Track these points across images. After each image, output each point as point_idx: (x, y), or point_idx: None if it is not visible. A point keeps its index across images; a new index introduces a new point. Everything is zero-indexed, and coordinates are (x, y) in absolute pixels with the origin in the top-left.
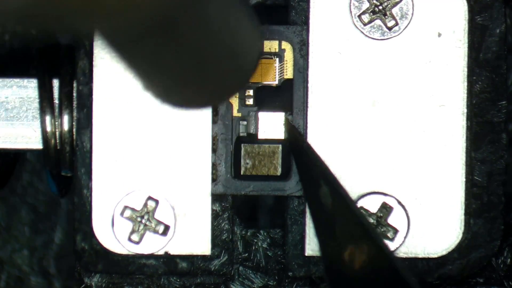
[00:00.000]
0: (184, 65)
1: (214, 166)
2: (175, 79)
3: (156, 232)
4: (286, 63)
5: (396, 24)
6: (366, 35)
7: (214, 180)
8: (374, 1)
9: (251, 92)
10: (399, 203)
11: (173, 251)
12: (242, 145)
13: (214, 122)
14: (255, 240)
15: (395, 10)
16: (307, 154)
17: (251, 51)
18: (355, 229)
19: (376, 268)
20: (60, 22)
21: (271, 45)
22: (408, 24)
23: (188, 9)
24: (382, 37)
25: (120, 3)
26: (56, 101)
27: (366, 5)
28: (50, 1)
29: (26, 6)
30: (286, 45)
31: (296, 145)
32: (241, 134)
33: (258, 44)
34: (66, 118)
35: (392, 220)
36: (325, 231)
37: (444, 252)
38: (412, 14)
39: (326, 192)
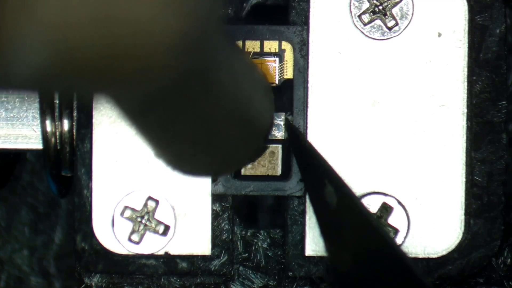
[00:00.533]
0: (195, 133)
1: None
2: (186, 147)
3: (156, 232)
4: (286, 63)
5: (396, 24)
6: (366, 35)
7: (214, 180)
8: (374, 1)
9: None
10: (399, 203)
11: (173, 251)
12: None
13: None
14: (255, 240)
15: (395, 10)
16: (310, 154)
17: (263, 119)
18: (363, 228)
19: (387, 267)
20: (72, 89)
21: (271, 45)
22: (408, 24)
23: (200, 76)
24: (382, 37)
25: (132, 70)
26: (56, 101)
27: (366, 5)
28: (64, 69)
29: (41, 74)
30: (286, 45)
31: (297, 145)
32: None
33: (270, 112)
34: (66, 118)
35: (392, 220)
36: (331, 230)
37: (444, 252)
38: (412, 14)
39: (331, 191)
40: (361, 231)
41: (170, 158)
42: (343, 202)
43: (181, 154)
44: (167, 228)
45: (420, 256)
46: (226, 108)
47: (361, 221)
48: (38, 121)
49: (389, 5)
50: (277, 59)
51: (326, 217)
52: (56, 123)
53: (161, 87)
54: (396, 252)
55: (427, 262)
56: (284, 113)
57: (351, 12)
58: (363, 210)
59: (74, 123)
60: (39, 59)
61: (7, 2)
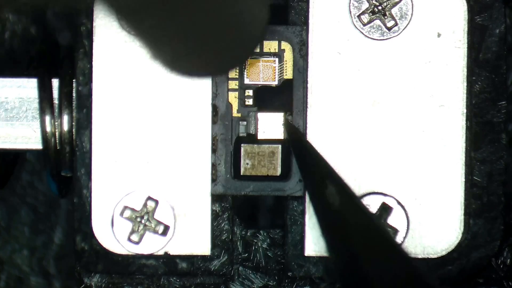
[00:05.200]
0: (191, 33)
1: (214, 166)
2: (182, 47)
3: (156, 232)
4: (286, 63)
5: (396, 24)
6: (366, 35)
7: (214, 180)
8: (374, 2)
9: (250, 93)
10: (399, 203)
11: (173, 251)
12: (241, 145)
13: (213, 122)
14: (255, 240)
15: (395, 10)
16: (311, 155)
17: (257, 19)
18: (367, 228)
19: (392, 267)
20: None
21: (270, 45)
22: (408, 24)
23: None
24: (382, 37)
25: None
26: (56, 101)
27: (365, 5)
28: None
29: None
30: (285, 45)
31: (298, 145)
32: (240, 135)
33: (265, 12)
34: (65, 118)
35: (391, 220)
36: (334, 231)
37: (444, 253)
38: (412, 14)
39: (333, 192)
40: (365, 231)
41: (167, 58)
42: (346, 202)
43: (177, 54)
44: (166, 228)
45: (420, 256)
46: (221, 10)
47: (365, 221)
48: (38, 121)
49: (388, 5)
50: (276, 59)
51: (328, 218)
52: (56, 123)
53: None
54: (400, 252)
55: (427, 262)
56: (283, 113)
57: (350, 12)
58: (366, 211)
59: (73, 123)
60: None
61: None
